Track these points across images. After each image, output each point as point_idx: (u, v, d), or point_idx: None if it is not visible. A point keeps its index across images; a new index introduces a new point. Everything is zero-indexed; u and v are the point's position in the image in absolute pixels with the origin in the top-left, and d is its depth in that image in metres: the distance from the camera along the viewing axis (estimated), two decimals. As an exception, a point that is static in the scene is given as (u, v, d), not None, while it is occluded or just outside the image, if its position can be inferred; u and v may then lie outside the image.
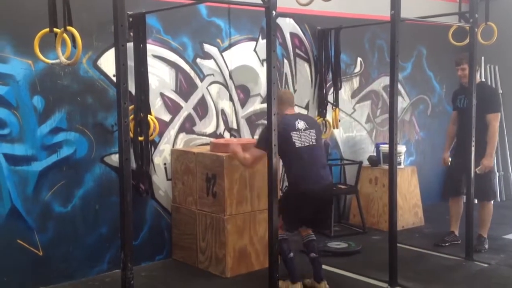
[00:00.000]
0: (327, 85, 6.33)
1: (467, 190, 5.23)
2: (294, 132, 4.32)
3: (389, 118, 4.42)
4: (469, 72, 5.13)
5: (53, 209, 4.56)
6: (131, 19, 4.71)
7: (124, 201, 3.16)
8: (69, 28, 3.63)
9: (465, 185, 5.58)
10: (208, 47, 5.42)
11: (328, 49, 6.26)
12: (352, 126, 6.78)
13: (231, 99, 5.62)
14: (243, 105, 5.73)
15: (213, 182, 4.79)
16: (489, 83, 7.73)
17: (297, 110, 6.12)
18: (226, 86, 5.59)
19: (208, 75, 5.45)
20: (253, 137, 5.76)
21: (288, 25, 6.05)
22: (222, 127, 5.58)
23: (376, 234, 6.10)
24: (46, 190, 4.51)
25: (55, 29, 3.68)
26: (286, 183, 5.36)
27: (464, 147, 5.45)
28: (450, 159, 5.77)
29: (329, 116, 6.38)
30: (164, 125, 5.17)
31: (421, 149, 7.54)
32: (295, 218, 4.40)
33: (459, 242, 5.58)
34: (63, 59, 3.70)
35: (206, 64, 5.42)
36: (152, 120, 4.95)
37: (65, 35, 3.67)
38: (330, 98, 6.35)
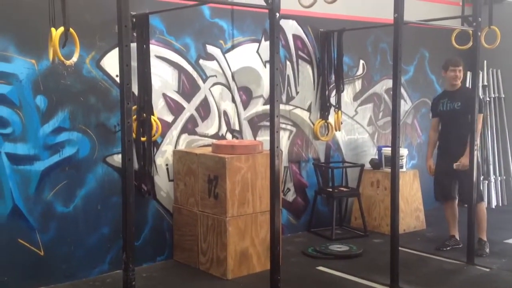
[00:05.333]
0: (330, 88, 6.33)
1: (467, 194, 5.22)
2: None
3: (391, 121, 4.42)
4: (472, 76, 5.14)
5: (55, 209, 4.56)
6: (134, 20, 4.73)
7: (126, 201, 3.15)
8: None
9: (455, 189, 5.60)
10: (211, 48, 5.42)
11: (330, 51, 6.27)
12: (354, 129, 6.78)
13: (233, 100, 5.62)
14: (245, 106, 5.73)
15: (215, 184, 4.78)
16: (492, 87, 7.74)
17: (298, 112, 6.18)
18: (228, 87, 5.58)
19: (210, 76, 5.44)
20: (255, 139, 5.76)
21: (291, 27, 6.05)
22: (224, 128, 5.58)
23: (378, 237, 6.09)
24: (48, 189, 4.51)
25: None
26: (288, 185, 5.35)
27: (448, 151, 5.47)
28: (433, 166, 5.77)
29: (331, 119, 6.38)
30: (166, 126, 5.17)
31: (423, 152, 7.51)
32: None
33: (460, 246, 5.57)
34: None
35: (209, 65, 5.42)
36: (154, 120, 4.96)
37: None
38: (333, 100, 6.35)
